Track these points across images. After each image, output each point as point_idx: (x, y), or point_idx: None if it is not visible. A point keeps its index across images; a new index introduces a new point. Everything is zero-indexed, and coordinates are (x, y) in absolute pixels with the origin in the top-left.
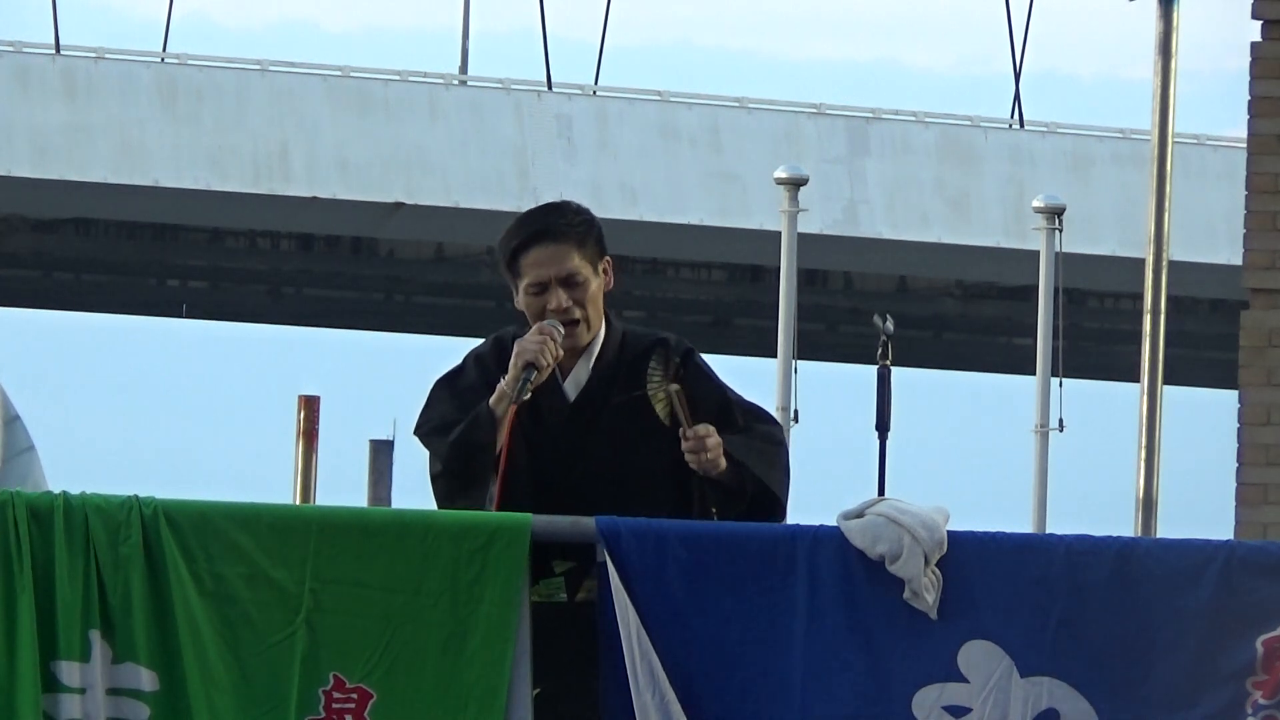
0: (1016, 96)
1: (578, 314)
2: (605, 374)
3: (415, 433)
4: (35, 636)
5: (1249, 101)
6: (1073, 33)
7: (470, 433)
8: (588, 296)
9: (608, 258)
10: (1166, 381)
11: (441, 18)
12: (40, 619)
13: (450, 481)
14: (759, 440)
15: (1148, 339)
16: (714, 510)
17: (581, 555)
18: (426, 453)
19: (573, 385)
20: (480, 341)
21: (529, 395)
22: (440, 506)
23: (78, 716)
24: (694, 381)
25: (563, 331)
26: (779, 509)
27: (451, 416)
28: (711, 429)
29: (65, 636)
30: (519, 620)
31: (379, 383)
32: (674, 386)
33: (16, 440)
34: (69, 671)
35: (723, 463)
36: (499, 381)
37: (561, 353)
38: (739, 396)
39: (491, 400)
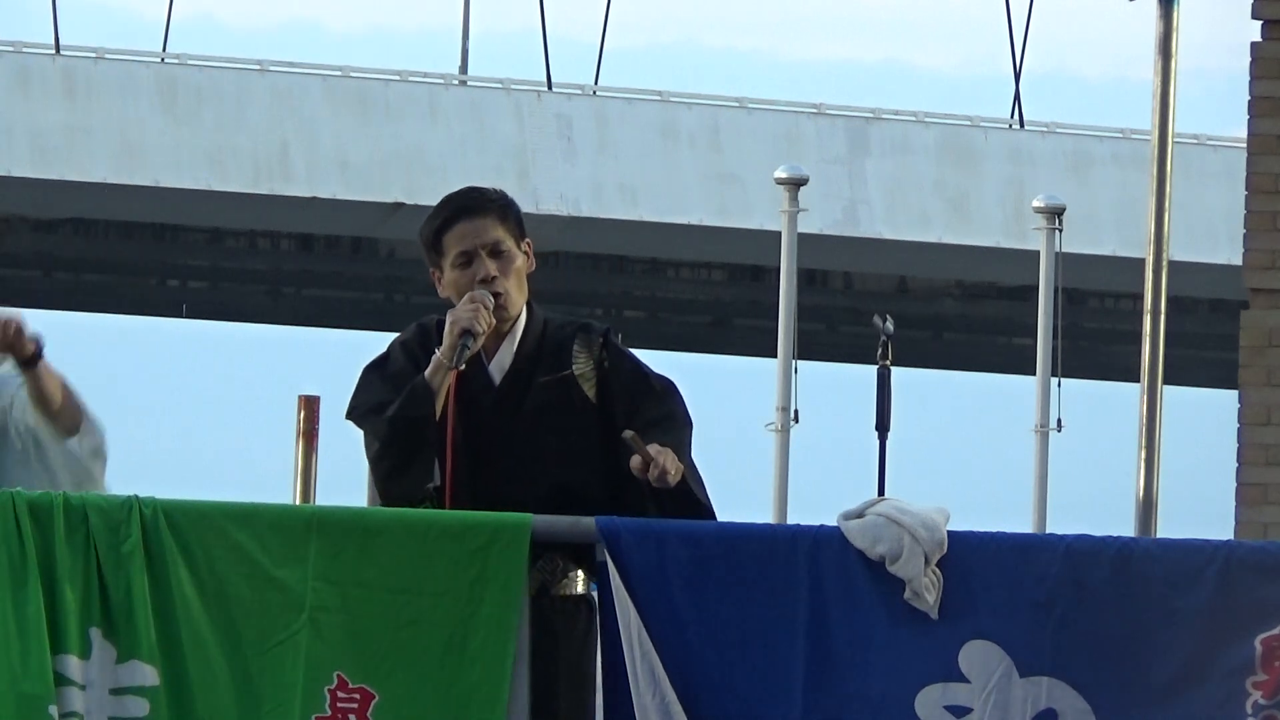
0: (1016, 96)
1: (503, 285)
2: (529, 357)
3: (348, 416)
4: (45, 629)
5: (1249, 101)
6: (1073, 33)
7: (407, 408)
8: (513, 269)
9: (528, 240)
10: (1166, 381)
11: (441, 18)
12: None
13: (392, 459)
14: (678, 429)
15: (1148, 339)
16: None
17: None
18: (361, 435)
19: (497, 368)
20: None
21: (464, 366)
22: (381, 489)
23: (80, 713)
24: (613, 359)
25: (493, 301)
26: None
27: (385, 398)
28: (669, 452)
29: (67, 633)
30: (519, 620)
31: None
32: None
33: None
34: (71, 668)
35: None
36: (428, 363)
37: (495, 320)
38: (650, 370)
39: (427, 373)
